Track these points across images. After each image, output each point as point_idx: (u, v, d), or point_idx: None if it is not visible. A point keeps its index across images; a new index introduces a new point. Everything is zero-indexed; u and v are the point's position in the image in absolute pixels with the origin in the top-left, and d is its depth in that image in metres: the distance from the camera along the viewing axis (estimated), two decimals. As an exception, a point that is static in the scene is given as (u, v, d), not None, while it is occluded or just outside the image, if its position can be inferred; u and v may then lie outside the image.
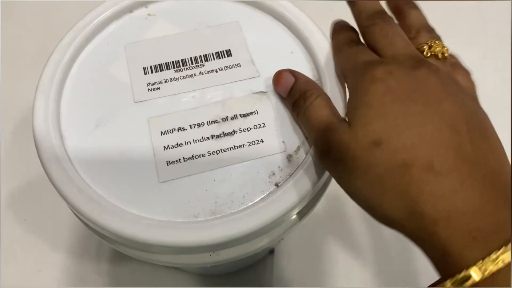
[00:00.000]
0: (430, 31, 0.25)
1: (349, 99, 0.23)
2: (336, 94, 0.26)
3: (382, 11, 0.25)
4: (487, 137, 0.20)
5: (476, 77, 0.47)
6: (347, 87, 0.25)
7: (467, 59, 0.47)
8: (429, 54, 0.23)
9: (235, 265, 0.38)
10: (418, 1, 0.26)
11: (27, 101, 0.42)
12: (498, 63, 0.49)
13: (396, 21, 0.25)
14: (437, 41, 0.23)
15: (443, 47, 0.23)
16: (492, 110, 0.46)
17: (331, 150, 0.21)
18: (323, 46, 0.27)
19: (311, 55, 0.28)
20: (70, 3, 0.49)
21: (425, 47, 0.23)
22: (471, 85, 0.24)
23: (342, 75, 0.26)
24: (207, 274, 0.39)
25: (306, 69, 0.28)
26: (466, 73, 0.25)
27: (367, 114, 0.20)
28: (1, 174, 0.39)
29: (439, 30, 0.25)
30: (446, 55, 0.23)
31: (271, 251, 0.39)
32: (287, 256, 0.39)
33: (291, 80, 0.25)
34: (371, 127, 0.20)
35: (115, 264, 0.37)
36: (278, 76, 0.26)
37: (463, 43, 0.50)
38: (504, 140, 0.44)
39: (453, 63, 0.24)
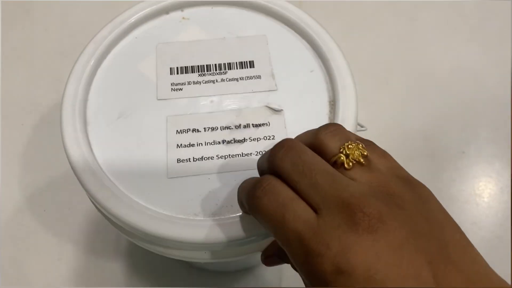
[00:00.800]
0: (335, 133, 0.20)
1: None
2: (349, 118, 0.27)
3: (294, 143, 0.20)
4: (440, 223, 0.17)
5: (477, 75, 0.48)
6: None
7: (468, 58, 0.49)
8: (350, 164, 0.19)
9: (243, 263, 0.39)
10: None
11: (46, 98, 0.45)
12: (499, 61, 0.49)
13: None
14: (349, 145, 0.19)
15: (358, 145, 0.19)
16: (492, 109, 0.46)
17: None
18: (343, 70, 0.28)
19: (330, 76, 0.29)
20: (85, 4, 0.52)
21: (342, 158, 0.19)
22: (394, 165, 0.20)
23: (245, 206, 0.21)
24: (220, 271, 0.41)
25: (322, 90, 0.29)
26: (385, 155, 0.20)
27: None
28: (23, 166, 0.42)
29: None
30: (366, 153, 0.19)
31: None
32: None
33: None
34: None
35: (131, 254, 0.38)
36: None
37: (464, 42, 0.52)
38: (505, 139, 0.44)
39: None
